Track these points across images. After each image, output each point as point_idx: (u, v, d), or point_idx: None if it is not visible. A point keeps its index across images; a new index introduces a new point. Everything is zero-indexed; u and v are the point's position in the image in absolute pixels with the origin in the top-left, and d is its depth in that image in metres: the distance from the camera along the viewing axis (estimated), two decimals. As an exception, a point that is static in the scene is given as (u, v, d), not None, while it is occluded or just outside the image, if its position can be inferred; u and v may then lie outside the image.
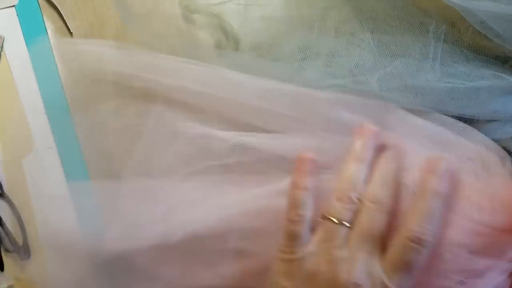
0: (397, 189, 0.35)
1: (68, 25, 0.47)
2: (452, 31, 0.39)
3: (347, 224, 0.34)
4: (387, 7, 0.41)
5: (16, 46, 0.48)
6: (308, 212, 0.35)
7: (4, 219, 0.48)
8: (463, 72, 0.38)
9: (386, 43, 0.40)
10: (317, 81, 0.40)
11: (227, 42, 0.43)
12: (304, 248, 0.35)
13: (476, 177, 0.37)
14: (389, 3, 0.41)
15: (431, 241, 0.33)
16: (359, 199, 0.35)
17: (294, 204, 0.35)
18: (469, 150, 0.39)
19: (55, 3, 0.46)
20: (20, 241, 0.48)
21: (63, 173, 0.48)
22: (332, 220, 0.34)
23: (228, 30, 0.44)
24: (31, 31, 0.47)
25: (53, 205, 0.48)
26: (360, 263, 0.33)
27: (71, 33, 0.47)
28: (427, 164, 0.35)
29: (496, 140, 0.39)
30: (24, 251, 0.47)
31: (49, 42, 0.47)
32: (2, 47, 0.47)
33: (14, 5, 0.47)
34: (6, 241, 0.47)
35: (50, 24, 0.47)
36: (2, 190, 0.48)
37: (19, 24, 0.47)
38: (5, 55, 0.48)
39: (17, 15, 0.47)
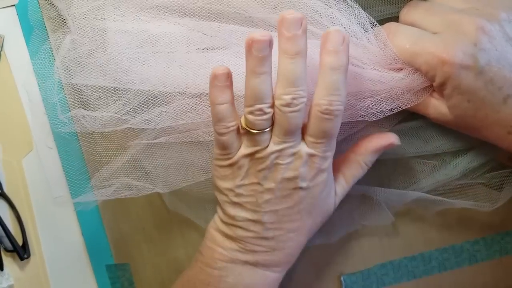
0: (304, 79, 0.36)
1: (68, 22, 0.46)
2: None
3: (267, 129, 0.38)
4: None
5: (16, 45, 0.48)
6: (232, 123, 0.38)
7: (3, 218, 0.48)
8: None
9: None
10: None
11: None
12: (235, 152, 0.39)
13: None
14: None
15: (340, 109, 0.37)
16: (271, 106, 0.37)
17: (218, 119, 0.38)
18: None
19: (55, 2, 0.46)
20: (19, 240, 0.48)
21: (63, 172, 0.48)
22: (251, 131, 0.37)
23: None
24: (31, 31, 0.47)
25: (53, 205, 0.48)
26: (285, 150, 0.38)
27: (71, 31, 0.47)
28: (322, 40, 0.37)
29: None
30: (23, 250, 0.48)
31: (49, 41, 0.47)
32: (2, 46, 0.47)
33: (14, 5, 0.47)
34: (5, 240, 0.47)
35: (50, 23, 0.47)
36: (2, 190, 0.48)
37: (19, 24, 0.47)
38: (5, 54, 0.48)
39: (17, 14, 0.47)
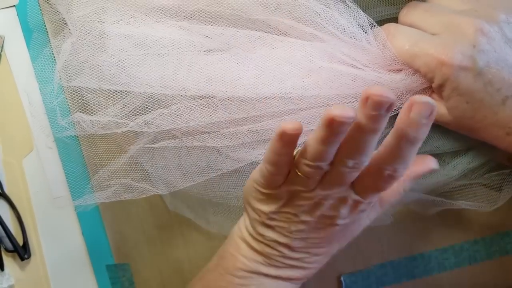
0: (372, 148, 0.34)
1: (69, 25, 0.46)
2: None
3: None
4: None
5: (17, 46, 0.48)
6: (285, 169, 0.36)
7: (4, 219, 0.48)
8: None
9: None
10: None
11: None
12: (279, 185, 0.37)
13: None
14: None
15: (402, 175, 0.35)
16: (330, 163, 0.35)
17: (271, 164, 0.36)
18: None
19: (55, 3, 0.46)
20: (20, 241, 0.48)
21: (63, 173, 0.48)
22: (301, 176, 0.36)
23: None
24: (32, 32, 0.47)
25: (53, 205, 0.48)
26: (332, 195, 0.37)
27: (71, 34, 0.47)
28: (406, 106, 0.33)
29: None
30: (24, 250, 0.48)
31: (49, 42, 0.47)
32: (2, 47, 0.47)
33: (14, 5, 0.47)
34: (6, 240, 0.48)
35: (51, 26, 0.47)
36: (2, 190, 0.48)
37: (19, 24, 0.47)
38: (5, 55, 0.48)
39: (17, 15, 0.47)
